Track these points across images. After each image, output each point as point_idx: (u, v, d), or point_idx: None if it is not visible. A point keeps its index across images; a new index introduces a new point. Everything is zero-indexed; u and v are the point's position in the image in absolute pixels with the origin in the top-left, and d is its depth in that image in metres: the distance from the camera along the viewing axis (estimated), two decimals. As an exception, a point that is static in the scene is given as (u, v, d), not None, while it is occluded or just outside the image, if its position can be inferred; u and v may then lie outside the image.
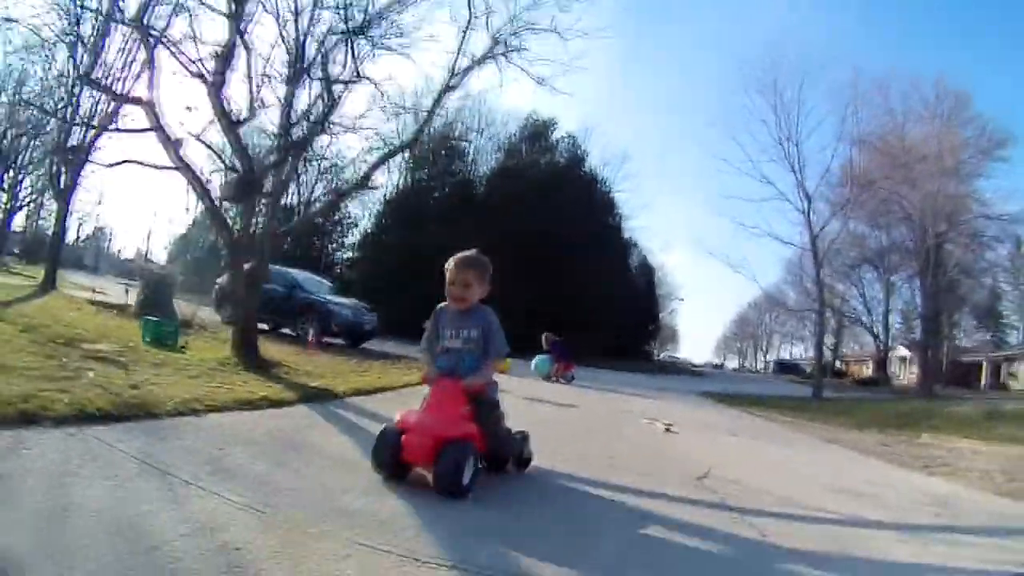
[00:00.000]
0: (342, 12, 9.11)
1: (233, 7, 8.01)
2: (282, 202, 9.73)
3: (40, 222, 61.10)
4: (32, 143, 38.54)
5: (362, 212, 45.03)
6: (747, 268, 41.97)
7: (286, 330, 16.46)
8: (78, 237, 73.23)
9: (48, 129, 32.89)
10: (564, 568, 2.46)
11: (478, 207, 42.35)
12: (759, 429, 10.31)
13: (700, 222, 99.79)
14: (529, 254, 37.02)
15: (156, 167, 8.12)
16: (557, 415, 8.00)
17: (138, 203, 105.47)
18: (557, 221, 39.70)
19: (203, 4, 8.62)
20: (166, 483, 2.79)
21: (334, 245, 43.99)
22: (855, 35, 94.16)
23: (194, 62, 8.05)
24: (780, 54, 39.47)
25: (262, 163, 8.84)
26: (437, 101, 11.41)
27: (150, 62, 8.09)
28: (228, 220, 9.14)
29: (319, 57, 9.35)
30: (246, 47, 8.37)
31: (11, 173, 41.69)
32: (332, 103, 9.10)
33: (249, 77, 8.81)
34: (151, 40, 8.28)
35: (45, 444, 3.12)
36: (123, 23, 10.04)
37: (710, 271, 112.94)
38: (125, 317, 11.45)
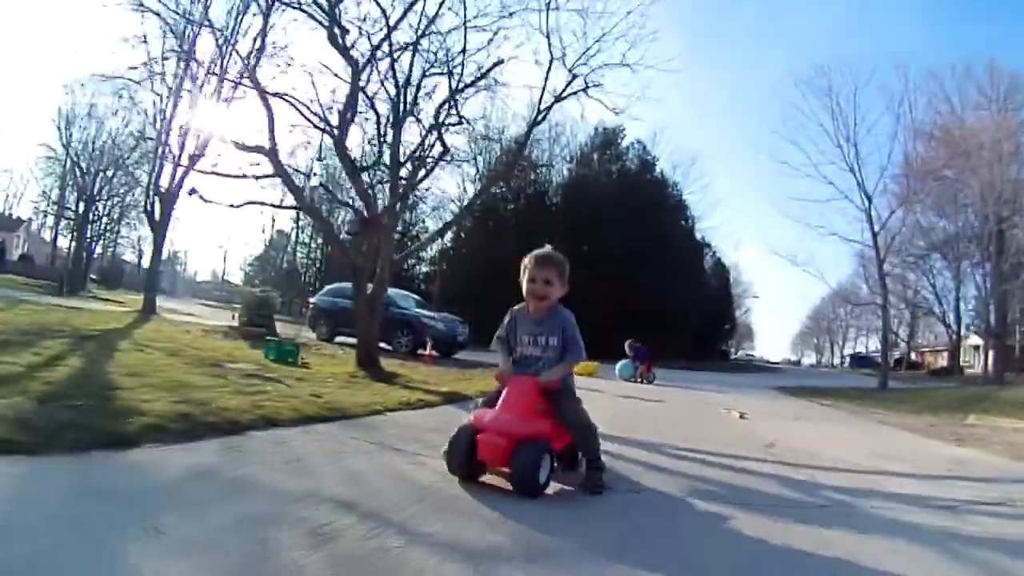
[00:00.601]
0: (448, 74, 10.68)
1: (351, 69, 9.60)
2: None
3: (115, 248, 64.09)
4: (112, 177, 41.59)
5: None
6: (813, 266, 42.22)
7: (382, 344, 17.89)
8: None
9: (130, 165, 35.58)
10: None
11: (553, 216, 43.91)
12: (821, 415, 11.56)
13: (770, 219, 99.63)
14: (605, 261, 38.13)
15: (277, 206, 9.77)
16: (648, 408, 9.36)
17: (208, 227, 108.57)
18: (630, 227, 40.95)
19: (326, 68, 10.31)
20: (402, 455, 3.94)
21: (412, 259, 45.20)
22: (908, 29, 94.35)
23: (322, 120, 9.69)
24: (833, 58, 40.07)
25: (379, 202, 10.38)
26: (527, 136, 12.90)
27: (268, 115, 9.64)
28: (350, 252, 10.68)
29: (426, 107, 10.92)
30: (366, 101, 9.97)
31: (94, 205, 44.04)
32: (443, 149, 10.60)
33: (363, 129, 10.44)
34: (268, 95, 9.82)
35: (299, 438, 4.12)
36: (247, 85, 11.25)
37: (784, 268, 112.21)
38: (231, 338, 12.45)
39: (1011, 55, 46.03)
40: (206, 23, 13.18)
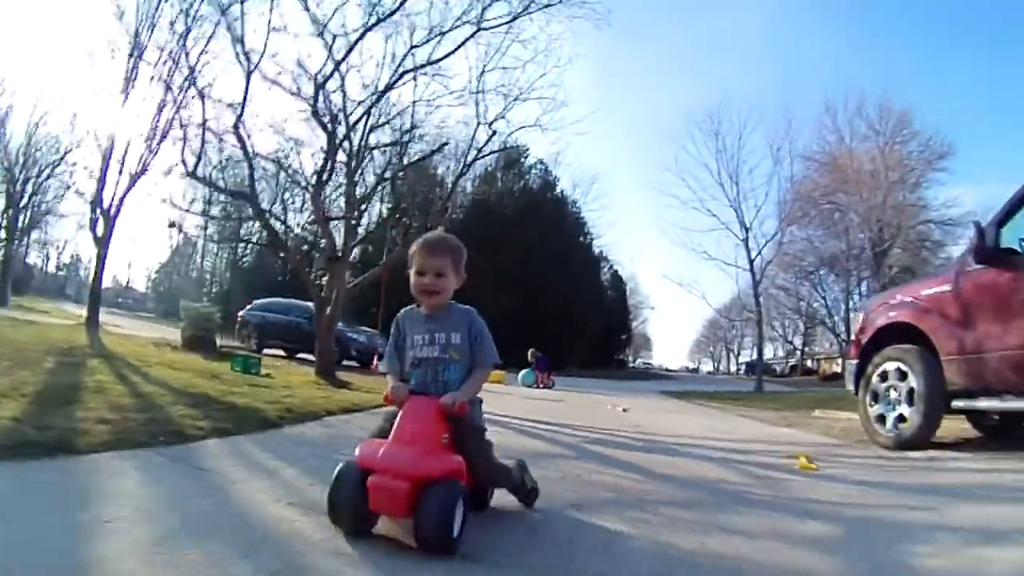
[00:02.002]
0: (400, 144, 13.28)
1: (327, 144, 11.88)
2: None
3: (26, 253, 62.24)
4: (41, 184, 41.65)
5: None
6: (697, 287, 50.76)
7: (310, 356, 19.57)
8: (58, 267, 76.45)
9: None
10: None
11: (457, 234, 45.06)
12: (690, 410, 14.47)
13: (664, 241, 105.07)
14: (507, 275, 40.81)
15: (259, 244, 11.93)
16: (551, 405, 11.68)
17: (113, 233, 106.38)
18: (532, 242, 44.01)
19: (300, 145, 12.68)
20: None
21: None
22: (812, 64, 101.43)
23: (301, 176, 12.02)
24: (722, 105, 45.13)
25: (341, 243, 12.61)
26: (453, 186, 15.23)
27: (250, 166, 11.90)
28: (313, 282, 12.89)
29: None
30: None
31: (23, 213, 43.65)
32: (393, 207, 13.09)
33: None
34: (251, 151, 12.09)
35: (318, 428, 5.76)
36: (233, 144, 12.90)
37: (687, 274, 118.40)
38: (179, 352, 13.21)
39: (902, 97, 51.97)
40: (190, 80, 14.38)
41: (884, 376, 7.11)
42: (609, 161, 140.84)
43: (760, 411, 14.25)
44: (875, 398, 7.23)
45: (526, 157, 52.29)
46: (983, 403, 6.25)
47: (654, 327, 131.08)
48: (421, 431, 2.68)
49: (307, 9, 11.87)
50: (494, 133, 14.34)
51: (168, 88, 16.13)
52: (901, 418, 6.79)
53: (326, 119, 12.18)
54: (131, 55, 17.24)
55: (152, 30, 16.76)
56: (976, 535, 3.10)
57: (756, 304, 39.28)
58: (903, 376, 6.83)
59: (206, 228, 64.03)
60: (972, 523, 3.34)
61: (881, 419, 7.10)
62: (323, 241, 12.90)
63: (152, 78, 16.88)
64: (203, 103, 12.34)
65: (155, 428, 4.26)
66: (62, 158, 35.95)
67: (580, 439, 6.77)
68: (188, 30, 14.84)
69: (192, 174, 12.47)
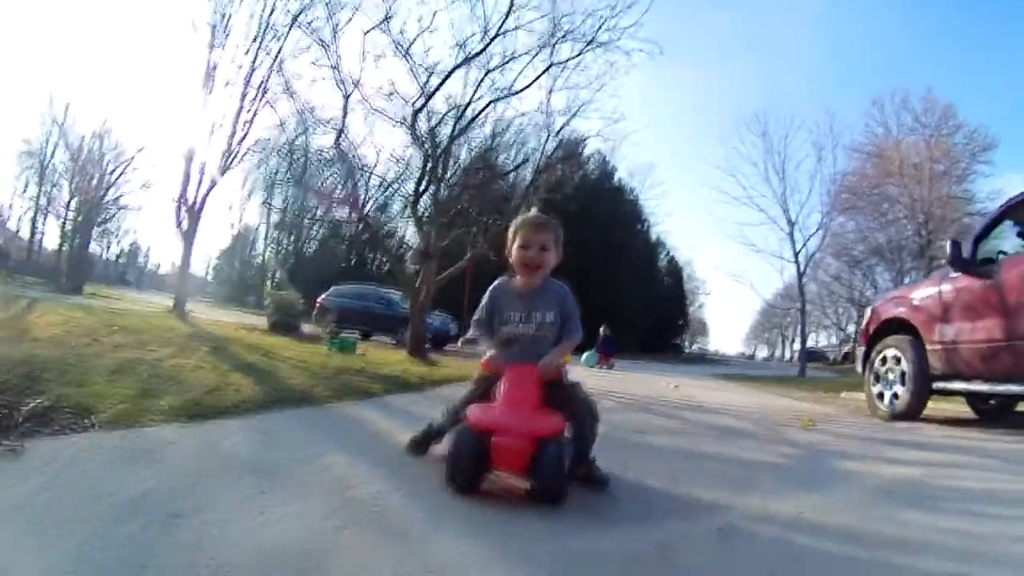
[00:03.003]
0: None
1: (429, 164, 13.95)
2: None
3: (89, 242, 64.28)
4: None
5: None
6: (745, 279, 53.01)
7: (386, 338, 22.17)
8: (118, 254, 77.30)
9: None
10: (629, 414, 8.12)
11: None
12: (733, 388, 16.18)
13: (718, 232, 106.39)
14: (567, 262, 40.93)
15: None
16: (612, 381, 13.46)
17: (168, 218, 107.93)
18: (591, 231, 45.40)
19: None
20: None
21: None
22: (860, 59, 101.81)
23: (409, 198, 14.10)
24: (769, 107, 47.94)
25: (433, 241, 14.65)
26: (529, 188, 17.03)
27: (354, 183, 14.14)
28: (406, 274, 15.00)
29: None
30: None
31: (100, 205, 46.45)
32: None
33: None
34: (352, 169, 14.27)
35: (447, 389, 7.46)
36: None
37: (740, 264, 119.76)
38: (267, 335, 13.83)
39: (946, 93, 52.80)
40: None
41: (884, 360, 8.85)
42: (666, 152, 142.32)
43: (795, 391, 15.85)
44: (877, 379, 8.98)
45: (584, 147, 53.81)
46: (956, 385, 7.94)
47: (711, 313, 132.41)
48: (527, 395, 2.87)
49: (406, 56, 13.81)
50: (560, 141, 16.30)
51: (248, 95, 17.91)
52: (896, 396, 8.52)
53: (423, 140, 14.22)
54: (209, 61, 18.44)
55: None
56: (890, 461, 4.98)
57: (800, 294, 41.05)
58: (898, 361, 8.57)
59: (269, 217, 66.75)
60: (895, 456, 5.21)
61: (880, 396, 8.84)
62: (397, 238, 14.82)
63: (229, 84, 18.36)
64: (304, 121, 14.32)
65: (347, 388, 6.01)
66: (132, 159, 39.25)
67: (639, 401, 8.76)
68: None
69: (299, 182, 14.66)
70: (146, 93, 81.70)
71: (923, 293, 8.69)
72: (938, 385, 8.13)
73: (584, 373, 15.89)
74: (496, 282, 3.36)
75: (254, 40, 17.58)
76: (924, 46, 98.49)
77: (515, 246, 3.23)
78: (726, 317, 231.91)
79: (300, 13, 16.07)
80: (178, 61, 55.46)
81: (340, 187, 15.29)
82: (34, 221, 54.29)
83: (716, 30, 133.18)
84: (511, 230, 3.32)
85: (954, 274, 8.10)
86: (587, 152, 55.80)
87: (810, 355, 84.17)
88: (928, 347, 8.20)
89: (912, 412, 8.27)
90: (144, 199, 55.55)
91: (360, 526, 2.21)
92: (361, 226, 15.92)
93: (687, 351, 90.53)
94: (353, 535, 2.10)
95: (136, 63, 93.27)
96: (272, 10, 16.90)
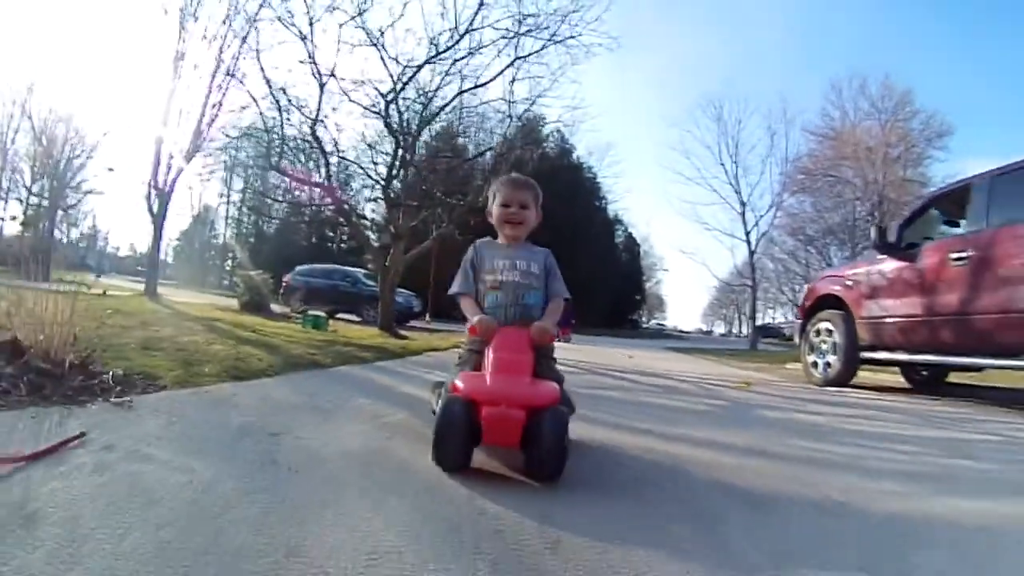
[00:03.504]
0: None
1: (399, 142, 14.62)
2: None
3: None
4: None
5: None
6: (698, 257, 57.04)
7: (352, 316, 22.66)
8: (79, 238, 75.31)
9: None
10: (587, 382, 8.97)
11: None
12: (684, 359, 17.23)
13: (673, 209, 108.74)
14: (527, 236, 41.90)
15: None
16: (572, 353, 14.06)
17: (128, 201, 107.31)
18: (549, 206, 45.89)
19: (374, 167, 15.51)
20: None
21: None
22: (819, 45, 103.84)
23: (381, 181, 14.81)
24: (730, 84, 49.63)
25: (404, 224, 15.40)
26: (492, 171, 17.28)
27: (326, 163, 14.86)
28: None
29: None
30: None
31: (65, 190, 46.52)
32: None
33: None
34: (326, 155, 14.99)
35: (425, 358, 8.88)
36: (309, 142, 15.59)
37: (695, 242, 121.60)
38: (239, 314, 13.91)
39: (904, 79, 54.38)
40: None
41: (819, 333, 9.78)
42: (626, 129, 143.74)
43: (744, 362, 16.86)
44: (812, 349, 9.91)
45: (543, 126, 54.59)
46: (880, 355, 8.90)
47: (669, 289, 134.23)
48: (520, 361, 2.63)
49: (379, 47, 14.60)
50: (521, 123, 17.08)
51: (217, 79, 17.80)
52: (828, 364, 9.47)
53: (394, 129, 14.96)
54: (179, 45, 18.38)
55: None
56: (803, 412, 5.92)
57: (751, 271, 43.52)
58: (830, 333, 9.50)
59: (229, 197, 66.70)
60: (810, 409, 6.15)
61: (815, 365, 9.78)
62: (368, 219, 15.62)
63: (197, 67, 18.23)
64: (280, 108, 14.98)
65: (343, 356, 6.81)
66: (97, 143, 39.16)
67: (595, 368, 9.64)
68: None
69: (275, 167, 15.35)
70: (112, 76, 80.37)
71: (854, 272, 9.62)
72: (865, 355, 9.07)
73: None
74: (476, 242, 3.29)
75: (223, 23, 17.78)
76: (886, 31, 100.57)
77: (496, 204, 3.25)
78: (684, 293, 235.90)
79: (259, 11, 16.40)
80: (145, 43, 55.00)
81: (315, 171, 15.83)
82: None
83: (680, 8, 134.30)
84: (491, 191, 3.37)
85: (881, 256, 8.98)
86: (546, 130, 57.14)
87: (766, 331, 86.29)
88: (857, 321, 9.12)
89: (842, 379, 9.21)
90: (107, 183, 55.09)
91: (401, 436, 3.02)
92: (334, 208, 16.40)
93: (645, 326, 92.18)
94: (397, 440, 2.92)
95: (101, 45, 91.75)
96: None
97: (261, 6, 16.07)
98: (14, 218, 45.98)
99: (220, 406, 3.39)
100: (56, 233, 62.76)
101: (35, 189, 47.91)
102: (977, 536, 2.13)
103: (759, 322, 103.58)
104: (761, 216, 42.62)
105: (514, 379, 2.53)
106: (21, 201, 49.63)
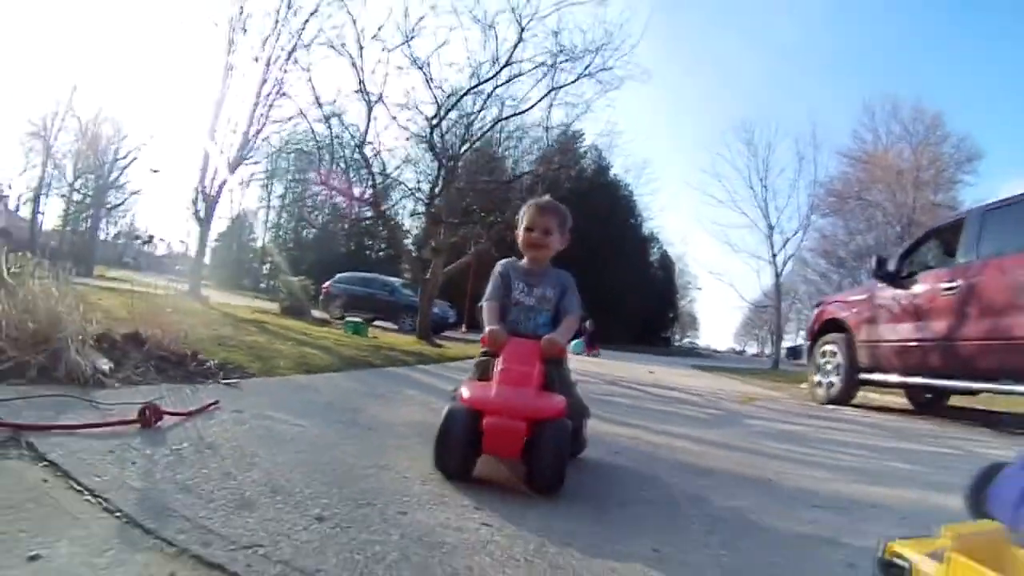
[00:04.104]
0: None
1: (442, 164, 15.59)
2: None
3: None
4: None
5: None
6: (726, 279, 56.81)
7: (388, 324, 23.29)
8: (116, 235, 76.59)
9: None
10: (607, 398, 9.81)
11: (516, 209, 48.28)
12: (704, 376, 17.96)
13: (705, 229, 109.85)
14: (562, 253, 42.43)
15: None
16: (597, 367, 14.92)
17: (168, 202, 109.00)
18: (585, 223, 46.58)
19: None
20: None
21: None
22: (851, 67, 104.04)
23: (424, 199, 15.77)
24: (755, 115, 50.72)
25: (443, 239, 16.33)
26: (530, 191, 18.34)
27: (373, 182, 15.89)
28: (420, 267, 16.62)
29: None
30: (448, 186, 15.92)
31: (111, 187, 47.49)
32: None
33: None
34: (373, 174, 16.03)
35: (464, 364, 9.13)
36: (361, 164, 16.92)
37: (729, 261, 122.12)
38: (281, 318, 14.50)
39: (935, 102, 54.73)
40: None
41: (824, 354, 10.49)
42: (662, 147, 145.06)
43: (761, 381, 17.55)
44: (817, 369, 10.62)
45: (581, 143, 55.45)
46: (876, 376, 9.57)
47: (703, 308, 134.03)
48: (527, 372, 2.67)
49: (427, 77, 15.53)
50: (559, 144, 18.06)
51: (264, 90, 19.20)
52: (831, 384, 10.19)
53: (438, 152, 15.91)
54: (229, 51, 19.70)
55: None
56: (791, 423, 6.78)
57: (776, 293, 44.98)
58: (834, 355, 10.21)
59: (269, 201, 67.96)
60: (799, 421, 7.05)
61: (819, 384, 10.48)
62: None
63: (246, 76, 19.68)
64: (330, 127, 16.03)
65: (390, 359, 7.90)
66: (143, 144, 40.83)
67: (613, 379, 10.42)
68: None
69: (325, 183, 16.42)
70: (160, 81, 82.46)
71: (856, 298, 10.38)
72: (863, 376, 9.74)
73: (573, 359, 17.43)
74: (504, 261, 3.40)
75: (269, 37, 18.92)
76: (918, 55, 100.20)
77: (521, 228, 3.33)
78: (718, 313, 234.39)
79: (309, 20, 17.62)
80: (196, 52, 56.31)
81: (359, 185, 16.90)
82: (36, 201, 54.37)
83: (715, 34, 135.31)
84: (519, 215, 3.43)
85: (880, 284, 9.72)
86: (583, 147, 57.90)
87: (795, 352, 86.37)
88: (857, 344, 9.81)
89: (842, 398, 9.93)
90: (148, 183, 55.91)
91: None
92: (379, 222, 17.53)
93: (677, 344, 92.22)
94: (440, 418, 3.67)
95: (152, 51, 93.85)
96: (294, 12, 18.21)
97: (306, 23, 17.33)
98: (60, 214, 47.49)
99: (304, 390, 4.34)
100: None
101: (77, 186, 48.85)
102: (867, 510, 2.87)
103: (791, 343, 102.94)
104: (788, 239, 43.62)
105: (518, 391, 2.59)
106: (63, 197, 50.82)
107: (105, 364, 3.30)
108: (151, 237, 79.66)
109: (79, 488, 1.78)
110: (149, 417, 2.54)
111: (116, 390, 3.15)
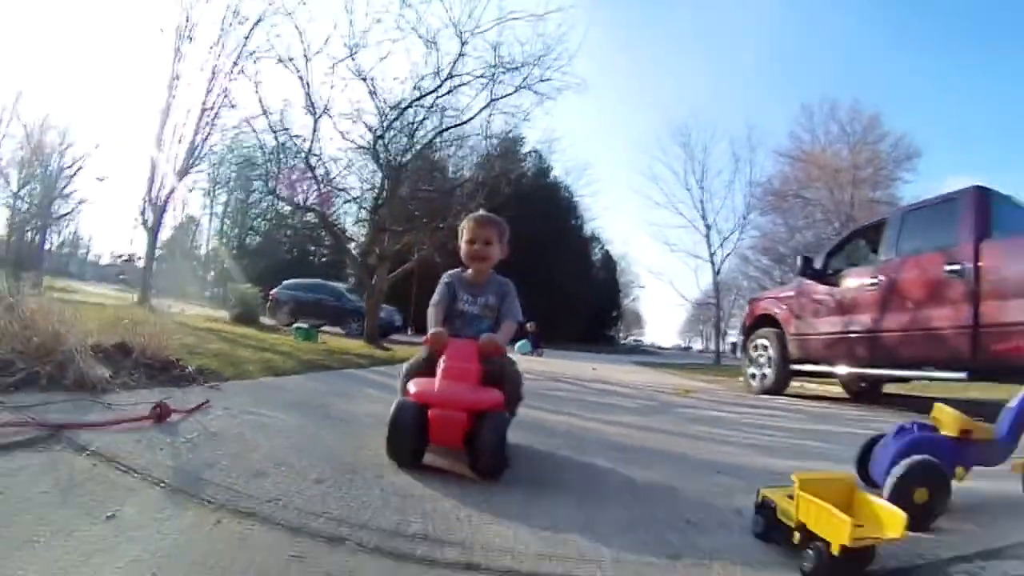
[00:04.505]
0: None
1: (386, 174, 16.01)
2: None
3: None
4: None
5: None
6: (665, 278, 61.17)
7: (335, 329, 23.37)
8: (61, 243, 74.16)
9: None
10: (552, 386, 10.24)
11: (457, 216, 48.70)
12: (645, 372, 18.68)
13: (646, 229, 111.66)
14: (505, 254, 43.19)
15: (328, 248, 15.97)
16: (543, 365, 15.29)
17: (111, 209, 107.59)
18: (528, 226, 46.96)
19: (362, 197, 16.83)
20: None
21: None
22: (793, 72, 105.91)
23: (368, 208, 16.10)
24: (693, 118, 52.27)
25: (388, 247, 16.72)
26: (471, 199, 18.73)
27: (319, 188, 16.23)
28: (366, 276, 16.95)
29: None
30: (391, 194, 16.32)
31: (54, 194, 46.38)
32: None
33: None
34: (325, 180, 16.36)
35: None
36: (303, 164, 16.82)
37: (667, 262, 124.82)
38: (234, 325, 14.69)
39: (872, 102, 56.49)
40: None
41: (756, 348, 11.10)
42: (602, 151, 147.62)
43: (702, 375, 18.22)
44: (751, 362, 11.24)
45: (521, 147, 56.12)
46: (806, 367, 10.26)
47: (647, 306, 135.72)
48: (466, 369, 2.93)
49: (372, 90, 15.91)
50: (500, 151, 18.65)
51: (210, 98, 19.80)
52: (764, 376, 10.81)
53: (382, 163, 16.29)
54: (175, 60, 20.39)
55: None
56: (720, 411, 7.34)
57: (715, 291, 48.40)
58: (766, 348, 10.83)
59: (212, 209, 67.51)
60: (729, 409, 7.61)
61: (753, 376, 11.12)
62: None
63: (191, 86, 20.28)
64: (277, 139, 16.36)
65: (345, 362, 8.36)
66: (88, 154, 40.80)
67: (556, 376, 10.90)
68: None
69: (273, 192, 16.74)
70: (106, 88, 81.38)
71: (786, 294, 11.00)
72: (794, 367, 10.41)
73: (520, 359, 17.84)
74: (449, 272, 3.62)
75: (214, 46, 19.54)
76: (854, 57, 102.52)
77: (463, 241, 3.54)
78: (663, 310, 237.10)
79: (254, 28, 18.19)
80: (141, 60, 55.83)
81: (306, 193, 17.24)
82: None
83: (652, 38, 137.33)
84: (460, 228, 3.64)
85: (807, 281, 10.34)
86: (524, 151, 58.57)
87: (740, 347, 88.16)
88: (788, 337, 10.45)
89: (775, 388, 10.58)
90: (94, 191, 55.00)
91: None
92: (324, 228, 17.90)
93: (622, 342, 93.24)
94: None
95: (97, 57, 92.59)
96: (240, 21, 18.53)
97: (251, 31, 17.65)
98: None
99: (276, 391, 4.79)
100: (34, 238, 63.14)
101: (22, 194, 47.99)
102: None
103: (734, 339, 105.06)
104: (726, 238, 44.93)
105: (459, 385, 2.86)
106: (7, 206, 49.91)
107: (105, 372, 3.71)
108: (84, 245, 77.65)
109: (123, 469, 2.30)
110: (160, 414, 3.06)
111: (118, 394, 3.59)
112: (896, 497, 2.31)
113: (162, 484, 2.17)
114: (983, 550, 2.19)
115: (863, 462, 2.99)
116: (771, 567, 1.93)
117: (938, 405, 2.92)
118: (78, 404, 3.18)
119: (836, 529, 1.80)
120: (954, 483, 2.61)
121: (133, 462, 2.36)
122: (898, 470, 2.47)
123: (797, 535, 1.98)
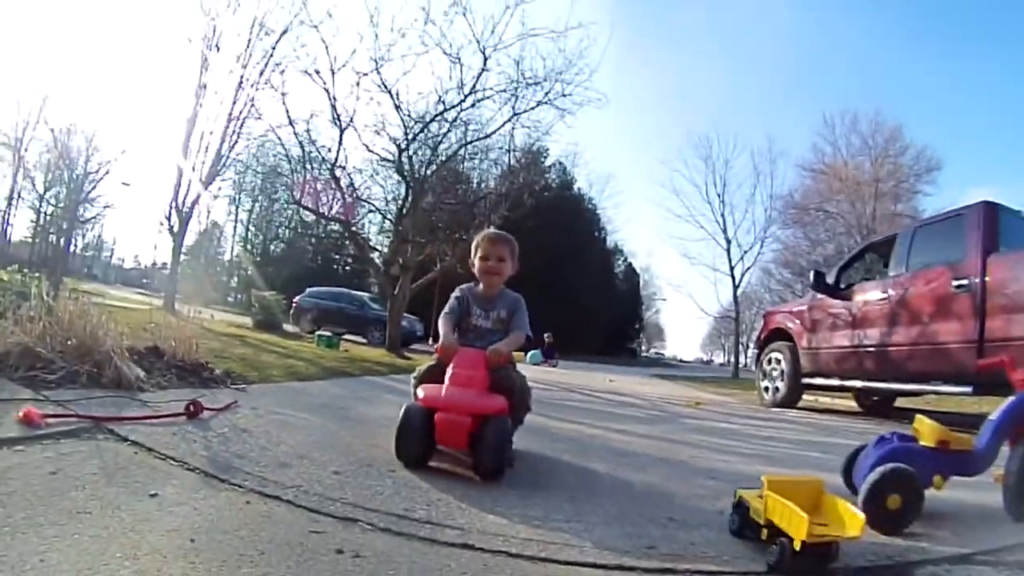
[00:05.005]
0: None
1: (410, 186, 16.28)
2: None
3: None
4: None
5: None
6: (685, 288, 59.26)
7: (357, 338, 23.67)
8: (85, 246, 76.06)
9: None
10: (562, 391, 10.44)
11: (480, 227, 48.49)
12: (662, 384, 18.60)
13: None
14: (526, 265, 42.90)
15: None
16: (558, 376, 15.62)
17: (134, 214, 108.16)
18: (550, 237, 46.92)
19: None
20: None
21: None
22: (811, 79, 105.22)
23: (392, 218, 16.40)
24: (713, 132, 52.43)
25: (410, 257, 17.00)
26: (491, 212, 18.83)
27: (344, 200, 16.53)
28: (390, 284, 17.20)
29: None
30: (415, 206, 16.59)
31: (82, 198, 46.87)
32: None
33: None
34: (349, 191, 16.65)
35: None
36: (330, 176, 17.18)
37: (689, 275, 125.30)
38: (256, 332, 15.58)
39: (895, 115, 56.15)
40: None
41: (770, 361, 11.22)
42: (626, 163, 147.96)
43: (719, 388, 18.26)
44: (764, 375, 11.35)
45: (545, 158, 56.32)
46: (817, 380, 10.35)
47: (669, 318, 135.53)
48: (473, 376, 3.07)
49: (396, 103, 16.20)
50: (524, 161, 18.83)
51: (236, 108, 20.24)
52: (777, 389, 10.93)
53: (406, 175, 16.60)
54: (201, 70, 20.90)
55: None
56: (727, 422, 7.51)
57: (735, 304, 48.13)
58: (779, 362, 10.95)
59: (237, 215, 68.06)
60: (735, 420, 7.78)
61: (766, 389, 11.23)
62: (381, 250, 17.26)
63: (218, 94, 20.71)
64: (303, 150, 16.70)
65: (366, 369, 8.78)
66: (115, 158, 41.41)
67: (571, 387, 11.09)
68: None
69: (298, 202, 17.08)
70: (135, 96, 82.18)
71: (799, 308, 11.11)
72: (805, 381, 10.50)
73: (531, 369, 17.99)
74: (463, 286, 3.79)
75: (241, 56, 20.03)
76: (878, 69, 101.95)
77: (477, 258, 3.69)
78: (685, 323, 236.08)
79: (280, 40, 18.68)
80: (169, 68, 56.36)
81: (331, 202, 17.57)
82: (6, 214, 53.22)
83: (675, 49, 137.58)
84: (473, 245, 3.78)
85: (819, 296, 10.47)
86: (548, 163, 58.63)
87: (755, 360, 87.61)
88: (800, 351, 10.56)
89: (788, 402, 10.68)
90: (119, 196, 55.38)
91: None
92: (348, 238, 18.27)
93: (643, 355, 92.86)
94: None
95: (126, 65, 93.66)
96: (266, 32, 19.02)
97: (277, 43, 17.99)
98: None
99: (300, 394, 5.13)
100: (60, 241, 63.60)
101: (48, 198, 48.64)
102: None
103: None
104: (746, 251, 44.73)
105: (465, 391, 3.02)
106: (33, 209, 50.55)
107: (140, 372, 4.02)
108: (108, 248, 78.03)
109: (162, 457, 2.62)
110: (194, 411, 3.36)
111: (153, 393, 3.90)
112: (869, 502, 2.50)
113: (197, 470, 2.48)
114: (952, 555, 2.35)
115: (848, 470, 3.15)
116: (740, 560, 2.13)
117: (919, 417, 3.10)
118: (116, 401, 3.47)
119: (797, 526, 1.99)
120: (934, 491, 2.79)
121: (171, 451, 2.68)
122: (872, 477, 2.63)
123: (765, 532, 2.19)
